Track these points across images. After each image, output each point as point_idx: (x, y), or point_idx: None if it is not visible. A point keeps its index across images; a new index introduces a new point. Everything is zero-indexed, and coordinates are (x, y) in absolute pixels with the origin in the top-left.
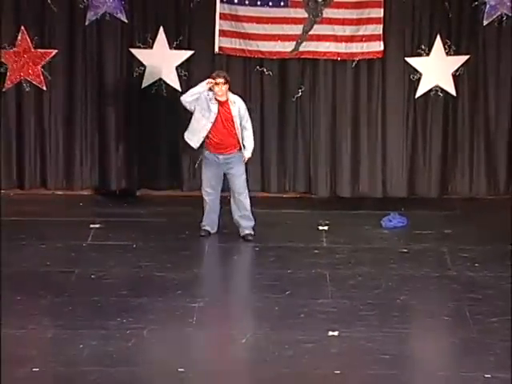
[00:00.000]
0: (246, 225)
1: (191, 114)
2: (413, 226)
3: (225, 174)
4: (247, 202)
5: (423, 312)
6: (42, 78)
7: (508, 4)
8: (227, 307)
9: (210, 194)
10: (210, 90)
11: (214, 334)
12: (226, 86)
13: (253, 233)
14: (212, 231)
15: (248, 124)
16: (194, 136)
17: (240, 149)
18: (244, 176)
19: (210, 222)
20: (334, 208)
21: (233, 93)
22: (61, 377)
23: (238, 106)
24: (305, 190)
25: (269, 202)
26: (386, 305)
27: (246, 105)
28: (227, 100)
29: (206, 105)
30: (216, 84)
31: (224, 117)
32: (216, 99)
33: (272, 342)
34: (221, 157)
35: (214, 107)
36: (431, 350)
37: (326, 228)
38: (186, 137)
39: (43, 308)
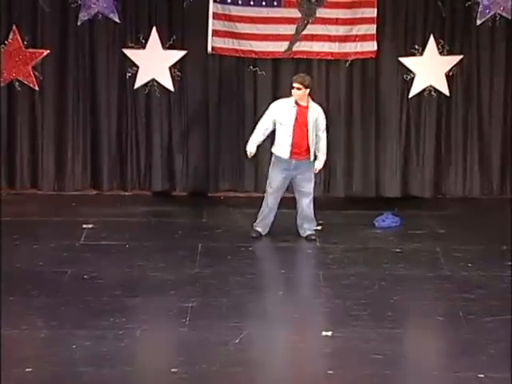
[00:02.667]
0: (308, 226)
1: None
2: (406, 225)
3: (291, 179)
4: (312, 205)
5: (417, 312)
6: (33, 77)
7: (501, 4)
8: (220, 307)
9: (272, 194)
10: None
11: (208, 334)
12: (304, 91)
13: (315, 233)
14: (263, 233)
15: (324, 135)
16: (282, 147)
17: (310, 156)
18: (313, 181)
19: (264, 224)
20: (327, 208)
21: (313, 100)
22: (54, 377)
23: (316, 114)
24: None
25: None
26: (379, 305)
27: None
28: (307, 106)
29: (285, 113)
30: (292, 88)
31: (301, 121)
32: (296, 103)
33: (265, 341)
34: (293, 162)
35: (293, 111)
36: (425, 349)
37: (319, 228)
38: (274, 151)
39: (36, 308)
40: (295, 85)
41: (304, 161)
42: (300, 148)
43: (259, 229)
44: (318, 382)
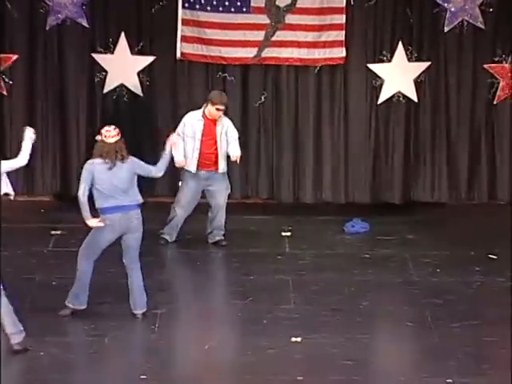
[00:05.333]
0: (219, 233)
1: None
2: (375, 231)
3: (203, 191)
4: (224, 215)
5: (385, 317)
6: (2, 83)
7: (468, 11)
8: (190, 313)
9: (183, 209)
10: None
11: (177, 340)
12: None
13: (223, 238)
14: (170, 240)
15: (234, 139)
16: (189, 160)
17: (220, 168)
18: (226, 191)
19: (171, 231)
20: (297, 214)
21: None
22: None
23: (225, 128)
24: (268, 196)
25: (231, 208)
26: (348, 310)
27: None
28: (215, 120)
29: (192, 126)
30: (218, 110)
31: (209, 134)
32: (204, 117)
33: (235, 348)
34: (203, 172)
35: (200, 124)
36: (393, 355)
37: (288, 234)
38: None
39: None
40: (223, 107)
41: (214, 172)
42: (208, 160)
43: (167, 236)
44: None
